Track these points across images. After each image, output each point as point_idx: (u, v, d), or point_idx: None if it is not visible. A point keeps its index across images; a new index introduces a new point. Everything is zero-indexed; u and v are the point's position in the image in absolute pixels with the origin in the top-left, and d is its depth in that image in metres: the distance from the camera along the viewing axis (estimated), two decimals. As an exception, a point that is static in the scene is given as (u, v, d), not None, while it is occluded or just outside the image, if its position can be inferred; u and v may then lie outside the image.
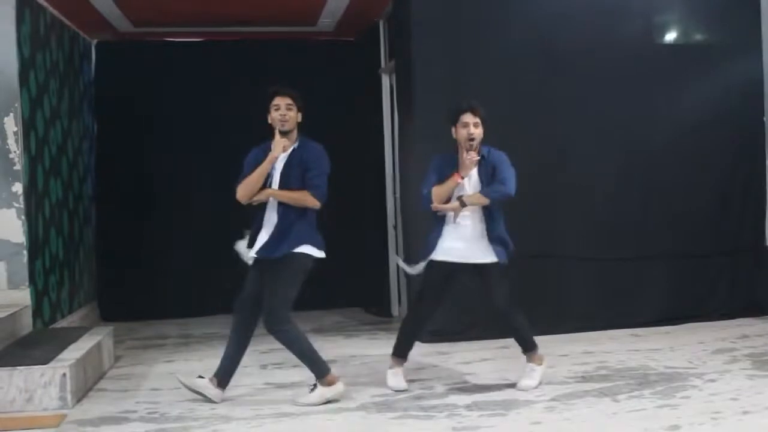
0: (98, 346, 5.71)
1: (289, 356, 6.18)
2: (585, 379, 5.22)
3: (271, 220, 4.92)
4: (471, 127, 4.96)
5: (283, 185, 4.90)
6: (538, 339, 6.39)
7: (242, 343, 5.02)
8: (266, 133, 8.33)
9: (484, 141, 5.07)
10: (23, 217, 6.23)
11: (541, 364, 5.09)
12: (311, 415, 4.61)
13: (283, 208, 4.87)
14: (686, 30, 7.23)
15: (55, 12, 7.22)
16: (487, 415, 4.46)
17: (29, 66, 6.45)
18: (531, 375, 5.04)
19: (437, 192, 4.97)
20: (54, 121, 7.10)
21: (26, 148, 6.32)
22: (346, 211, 8.55)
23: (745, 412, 4.35)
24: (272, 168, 4.90)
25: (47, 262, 6.72)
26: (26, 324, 6.15)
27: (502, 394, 4.91)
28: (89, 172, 8.33)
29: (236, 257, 5.10)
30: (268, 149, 4.88)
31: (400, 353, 5.21)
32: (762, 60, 7.31)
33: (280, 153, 4.83)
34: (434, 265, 5.01)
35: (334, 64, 8.55)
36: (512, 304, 5.05)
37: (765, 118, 7.31)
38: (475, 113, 4.99)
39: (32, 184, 6.45)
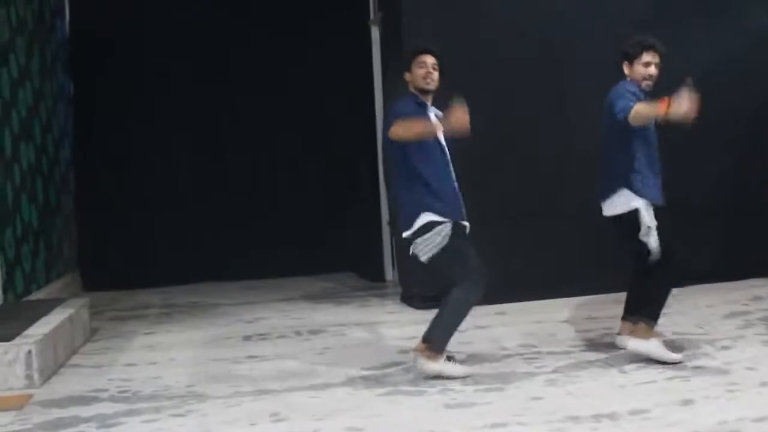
0: (70, 320, 5.38)
1: (276, 326, 5.94)
2: (589, 347, 4.88)
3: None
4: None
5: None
6: (537, 303, 6.17)
7: None
8: (256, 90, 8.07)
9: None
10: (-11, 184, 5.87)
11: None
12: (294, 392, 4.28)
13: None
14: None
15: (21, -36, 6.79)
16: (482, 390, 4.12)
17: (-10, 22, 6.04)
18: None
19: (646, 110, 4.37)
20: (23, 82, 6.69)
21: (-10, 110, 5.94)
22: (335, 171, 8.23)
23: (764, 384, 4.01)
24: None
25: (18, 231, 6.36)
26: (-5, 297, 5.82)
27: (500, 365, 4.58)
28: (66, 136, 7.94)
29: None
30: (422, 106, 4.50)
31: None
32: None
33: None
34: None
35: (322, 15, 8.14)
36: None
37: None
38: None
39: (-1, 149, 6.07)
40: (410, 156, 4.46)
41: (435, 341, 4.39)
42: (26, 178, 6.66)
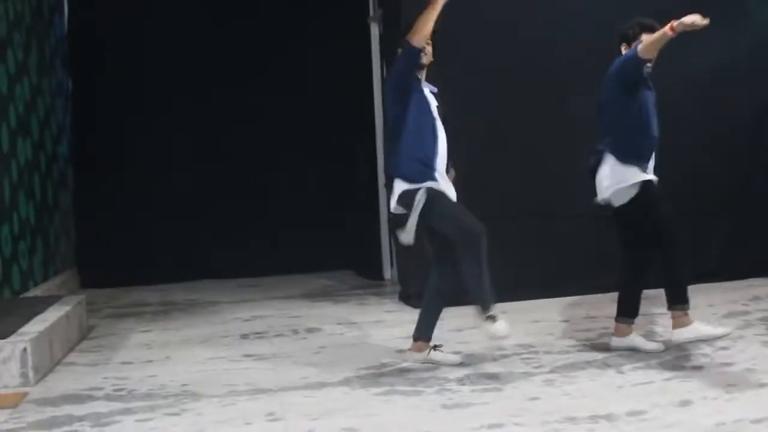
0: (66, 317, 5.34)
1: (273, 324, 5.91)
2: (587, 347, 4.84)
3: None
4: None
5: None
6: (537, 302, 6.13)
7: None
8: (255, 88, 8.04)
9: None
10: (-15, 180, 5.84)
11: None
12: (289, 391, 4.24)
13: None
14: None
15: (18, -42, 6.76)
16: (480, 390, 4.09)
17: (-13, 17, 6.01)
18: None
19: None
20: (20, 77, 6.67)
21: (-13, 106, 5.92)
22: (334, 169, 8.19)
23: (762, 385, 3.97)
24: (430, 105, 4.54)
25: (15, 228, 6.34)
26: (-9, 294, 5.80)
27: (497, 365, 4.54)
28: (64, 132, 7.91)
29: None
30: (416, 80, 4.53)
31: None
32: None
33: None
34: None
35: (321, 11, 8.11)
36: None
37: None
38: None
39: (-5, 145, 6.05)
40: (393, 124, 4.57)
41: (480, 302, 4.33)
42: (23, 174, 6.63)
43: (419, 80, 4.57)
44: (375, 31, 7.48)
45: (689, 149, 6.60)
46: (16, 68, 6.56)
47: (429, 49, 4.55)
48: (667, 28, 4.28)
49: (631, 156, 4.57)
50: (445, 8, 4.47)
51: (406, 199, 4.45)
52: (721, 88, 6.73)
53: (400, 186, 4.50)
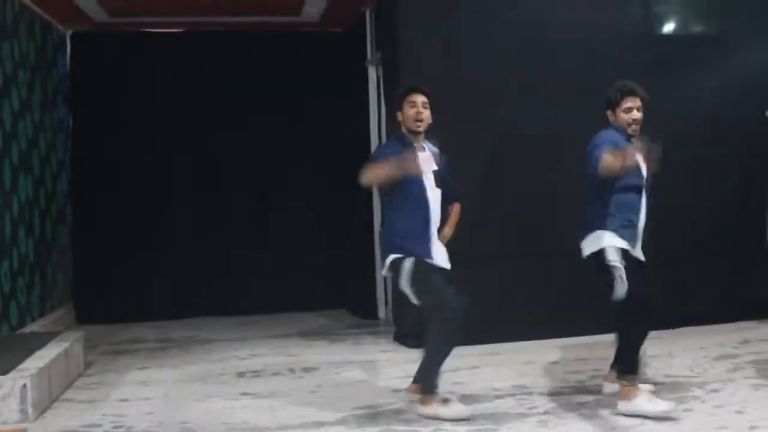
0: (65, 353, 5.38)
1: (270, 363, 5.96)
2: (579, 389, 4.91)
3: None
4: None
5: (440, 189, 4.55)
6: (527, 344, 6.18)
7: None
8: (254, 129, 8.16)
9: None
10: (-13, 216, 5.92)
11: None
12: (287, 430, 4.30)
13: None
14: (689, 21, 6.94)
15: (25, 0, 6.89)
16: (475, 431, 4.15)
17: (-6, 56, 6.13)
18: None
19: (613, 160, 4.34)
20: (24, 114, 6.77)
21: (-10, 142, 6.01)
22: (331, 209, 8.28)
23: (753, 427, 4.06)
24: (423, 175, 4.48)
25: (15, 264, 6.39)
26: (-10, 329, 5.85)
27: (492, 406, 4.60)
28: (64, 169, 7.99)
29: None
30: (407, 148, 4.49)
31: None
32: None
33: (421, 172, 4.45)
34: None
35: (319, 55, 8.26)
36: None
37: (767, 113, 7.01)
38: None
39: (-2, 181, 6.13)
40: (383, 193, 4.61)
41: (423, 383, 4.45)
42: (24, 210, 6.71)
43: (412, 145, 4.53)
44: (373, 74, 7.62)
45: (680, 194, 6.70)
46: (20, 105, 6.67)
47: (426, 113, 4.54)
48: (618, 162, 4.31)
49: (604, 228, 4.52)
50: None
51: (394, 268, 4.48)
52: (712, 134, 6.85)
53: (388, 254, 4.51)
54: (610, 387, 4.68)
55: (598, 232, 4.51)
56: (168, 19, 8.07)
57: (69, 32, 8.10)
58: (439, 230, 4.58)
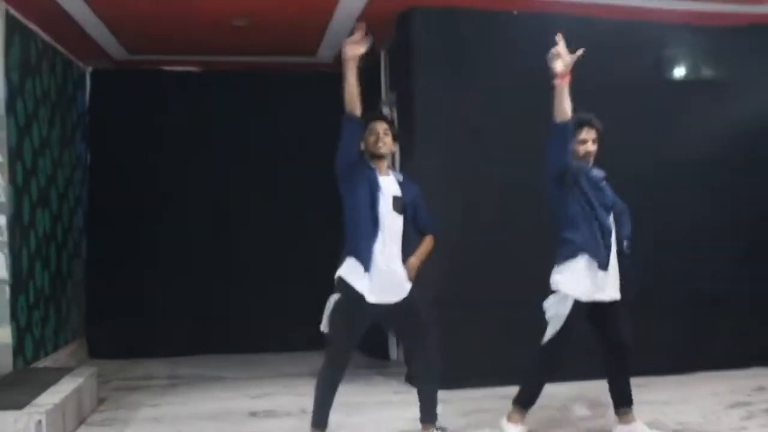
0: (79, 389, 5.41)
1: (281, 403, 5.95)
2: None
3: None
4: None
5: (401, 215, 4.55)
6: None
7: None
8: (268, 165, 8.23)
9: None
10: (6, 251, 5.96)
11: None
12: (300, 471, 4.30)
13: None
14: (697, 65, 7.01)
15: (48, 38, 7.02)
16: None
17: (17, 93, 6.22)
18: None
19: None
20: (43, 150, 6.87)
21: (12, 179, 6.08)
22: (341, 248, 8.29)
23: (767, 478, 4.05)
24: (379, 192, 4.52)
25: (31, 298, 6.44)
26: (5, 363, 5.88)
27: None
28: (80, 204, 8.07)
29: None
30: (371, 170, 4.57)
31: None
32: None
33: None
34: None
35: (334, 95, 8.31)
36: None
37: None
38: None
39: (17, 216, 6.19)
40: (342, 197, 4.65)
41: (429, 419, 4.56)
42: (41, 244, 6.77)
43: (375, 170, 4.57)
44: (387, 113, 7.67)
45: (691, 240, 6.73)
46: (40, 142, 6.76)
47: (388, 139, 4.59)
48: (557, 82, 4.35)
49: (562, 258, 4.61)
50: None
51: (337, 285, 4.54)
52: (722, 178, 6.88)
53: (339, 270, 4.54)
54: (621, 429, 4.69)
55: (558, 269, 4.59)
56: (186, 58, 8.21)
57: (89, 69, 8.23)
58: (405, 259, 4.53)
